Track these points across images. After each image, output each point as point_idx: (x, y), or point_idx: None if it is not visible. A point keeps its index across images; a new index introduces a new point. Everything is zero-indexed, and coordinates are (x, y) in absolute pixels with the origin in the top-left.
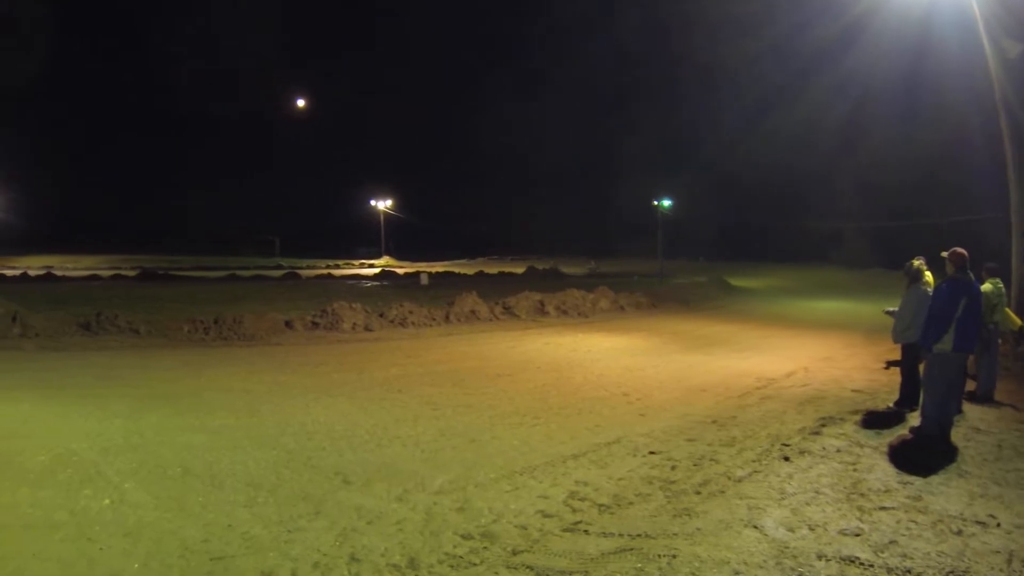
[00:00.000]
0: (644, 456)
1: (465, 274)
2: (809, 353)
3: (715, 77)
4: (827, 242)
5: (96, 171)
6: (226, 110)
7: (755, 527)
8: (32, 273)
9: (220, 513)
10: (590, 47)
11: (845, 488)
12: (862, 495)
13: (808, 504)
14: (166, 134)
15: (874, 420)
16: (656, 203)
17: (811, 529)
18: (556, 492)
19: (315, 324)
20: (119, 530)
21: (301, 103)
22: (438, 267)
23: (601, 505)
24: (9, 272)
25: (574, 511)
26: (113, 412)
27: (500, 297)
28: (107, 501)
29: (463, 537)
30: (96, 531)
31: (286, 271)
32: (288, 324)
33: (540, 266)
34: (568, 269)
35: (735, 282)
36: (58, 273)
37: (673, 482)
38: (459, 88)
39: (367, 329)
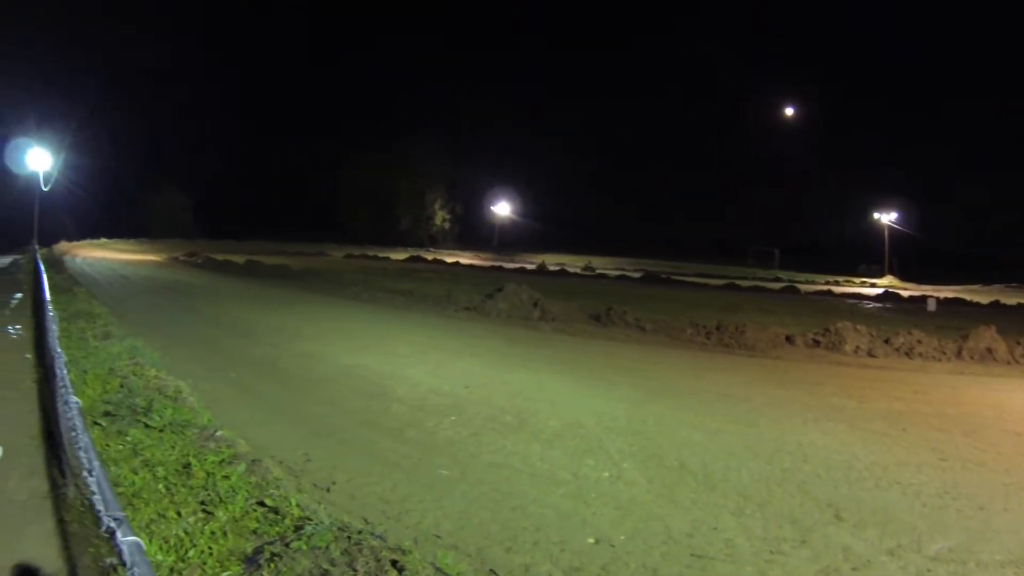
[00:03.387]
0: None
1: (978, 303)
2: None
3: None
4: None
5: (607, 178)
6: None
7: None
8: (548, 269)
9: (708, 513)
10: None
11: None
12: None
13: None
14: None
15: None
16: None
17: None
18: None
19: (816, 342)
20: (612, 501)
21: (790, 111)
22: (947, 292)
23: None
24: (529, 266)
25: None
26: (619, 396)
27: (1020, 335)
28: (606, 474)
29: None
30: (592, 497)
31: (784, 284)
32: (789, 339)
33: None
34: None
35: None
36: (569, 270)
37: None
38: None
39: (870, 354)
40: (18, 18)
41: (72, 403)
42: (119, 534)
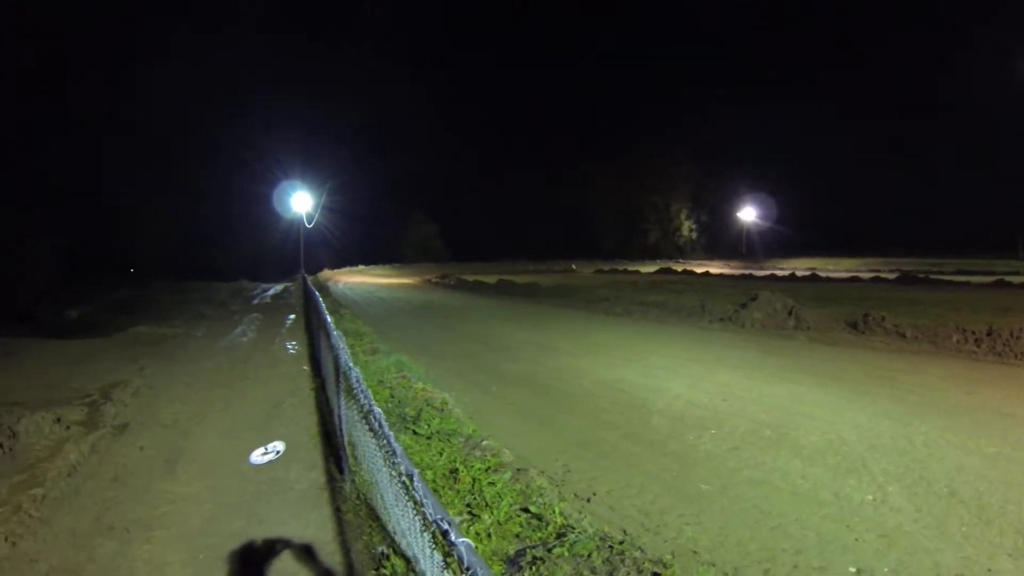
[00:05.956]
0: None
1: None
2: None
3: None
4: None
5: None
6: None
7: None
8: (799, 274)
9: (980, 551)
10: None
11: None
12: None
13: None
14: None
15: None
16: None
17: None
18: None
19: None
20: (875, 528)
21: None
22: None
23: None
24: (779, 273)
25: None
26: (882, 411)
27: None
28: (869, 496)
29: None
30: (855, 521)
31: None
32: None
33: None
34: None
35: None
36: (821, 274)
37: None
38: None
39: None
40: (297, 78)
41: (376, 414)
42: (452, 535)
